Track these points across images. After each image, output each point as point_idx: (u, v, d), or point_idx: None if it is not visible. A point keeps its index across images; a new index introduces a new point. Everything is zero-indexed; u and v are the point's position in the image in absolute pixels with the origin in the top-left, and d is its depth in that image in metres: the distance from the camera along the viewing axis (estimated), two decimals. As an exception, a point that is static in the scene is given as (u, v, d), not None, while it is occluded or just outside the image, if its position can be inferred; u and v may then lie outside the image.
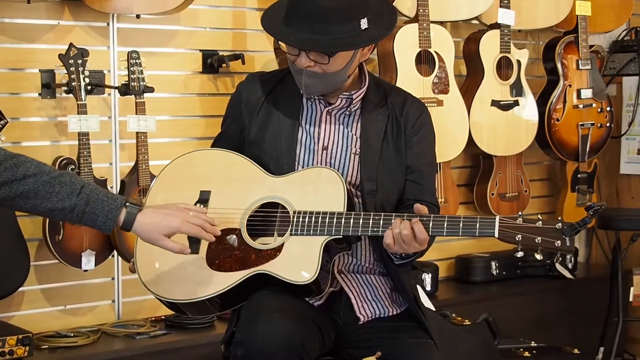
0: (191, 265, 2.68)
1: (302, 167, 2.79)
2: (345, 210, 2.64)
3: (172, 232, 2.54)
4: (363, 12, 2.68)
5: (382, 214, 2.63)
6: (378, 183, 2.77)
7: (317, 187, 2.70)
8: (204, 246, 2.69)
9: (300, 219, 2.65)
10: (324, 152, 2.81)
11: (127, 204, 2.52)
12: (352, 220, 2.62)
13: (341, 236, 2.64)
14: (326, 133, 2.82)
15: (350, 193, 2.71)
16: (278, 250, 2.65)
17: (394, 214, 2.62)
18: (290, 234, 2.65)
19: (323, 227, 2.63)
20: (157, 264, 2.71)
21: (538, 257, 2.53)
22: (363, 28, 2.68)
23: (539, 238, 2.49)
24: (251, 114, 2.86)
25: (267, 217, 2.72)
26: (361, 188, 2.78)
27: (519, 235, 2.50)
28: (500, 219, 2.53)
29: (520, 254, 2.54)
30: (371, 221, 2.61)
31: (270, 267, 2.62)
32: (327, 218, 2.63)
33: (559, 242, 2.48)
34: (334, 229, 2.62)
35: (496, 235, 2.52)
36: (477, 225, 2.54)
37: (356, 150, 2.81)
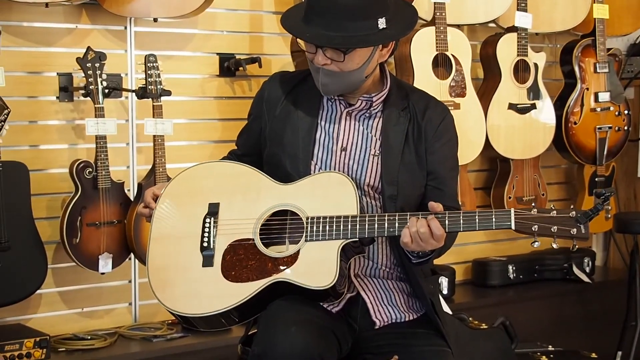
0: (207, 279, 2.67)
1: (320, 167, 2.78)
2: (359, 212, 2.64)
3: None
4: (381, 12, 2.67)
5: (397, 214, 2.62)
6: (399, 187, 2.75)
7: (328, 192, 2.69)
8: (218, 258, 2.68)
9: (315, 225, 2.64)
10: (343, 152, 2.80)
11: None
12: (366, 222, 2.62)
13: (357, 239, 2.63)
14: (345, 134, 2.81)
15: (360, 195, 2.71)
16: (294, 257, 2.63)
17: (408, 213, 2.62)
18: (306, 240, 2.64)
19: (339, 231, 2.62)
20: (172, 280, 2.69)
21: (554, 245, 2.56)
22: (380, 27, 2.67)
23: (555, 227, 2.53)
24: (271, 112, 2.86)
25: (279, 225, 2.71)
26: (382, 192, 2.76)
27: (535, 226, 2.54)
28: (515, 211, 2.55)
29: (537, 244, 2.57)
30: (386, 222, 2.61)
31: (289, 275, 2.62)
32: (342, 222, 2.62)
33: (574, 229, 2.52)
34: (349, 232, 2.62)
35: (513, 227, 2.54)
36: (493, 218, 2.55)
37: (375, 151, 2.79)
